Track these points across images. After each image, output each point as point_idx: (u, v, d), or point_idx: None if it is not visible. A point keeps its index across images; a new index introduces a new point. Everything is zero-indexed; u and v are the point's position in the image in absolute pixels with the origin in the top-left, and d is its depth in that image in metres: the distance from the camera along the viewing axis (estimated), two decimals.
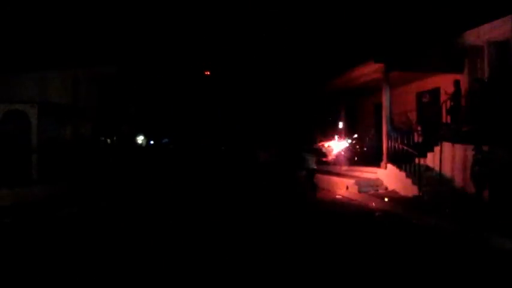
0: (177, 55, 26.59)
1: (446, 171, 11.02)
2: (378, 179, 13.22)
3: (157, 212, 10.99)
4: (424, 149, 12.08)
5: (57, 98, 16.59)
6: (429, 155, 11.97)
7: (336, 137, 17.38)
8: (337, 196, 13.20)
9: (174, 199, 13.17)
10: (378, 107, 15.48)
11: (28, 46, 19.80)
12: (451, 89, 12.08)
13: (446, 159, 10.98)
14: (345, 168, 15.66)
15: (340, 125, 18.92)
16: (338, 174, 15.08)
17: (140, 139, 26.29)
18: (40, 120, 14.60)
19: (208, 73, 28.93)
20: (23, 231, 8.89)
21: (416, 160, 11.75)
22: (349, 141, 17.19)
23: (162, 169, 21.53)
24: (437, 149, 11.37)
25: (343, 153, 16.40)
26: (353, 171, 14.86)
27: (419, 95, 15.32)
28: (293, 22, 23.22)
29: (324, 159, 16.28)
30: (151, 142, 29.47)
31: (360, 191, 12.68)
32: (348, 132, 18.18)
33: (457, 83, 12.10)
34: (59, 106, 16.28)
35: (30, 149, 14.28)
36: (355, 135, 17.73)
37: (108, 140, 19.87)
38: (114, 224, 9.40)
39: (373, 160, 14.25)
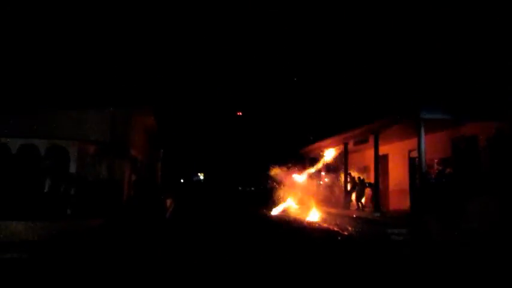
0: (209, 96, 27.33)
1: None
2: None
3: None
4: None
5: (95, 135, 17.16)
6: None
7: None
8: None
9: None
10: None
11: (69, 85, 20.74)
12: None
13: None
14: None
15: None
16: None
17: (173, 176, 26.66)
18: (79, 156, 15.09)
19: (240, 113, 29.47)
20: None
21: None
22: None
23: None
24: None
25: None
26: None
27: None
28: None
29: None
30: (182, 180, 29.80)
31: None
32: None
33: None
34: (96, 143, 16.80)
35: (69, 183, 14.67)
36: None
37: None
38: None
39: None
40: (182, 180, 30.37)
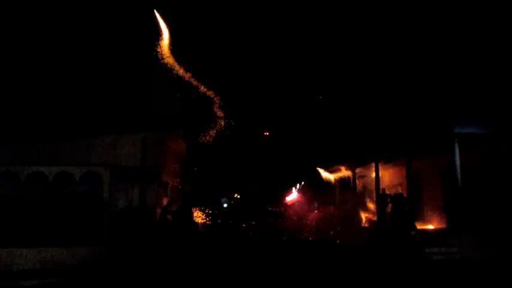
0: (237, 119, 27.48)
1: None
2: None
3: None
4: None
5: (127, 160, 17.44)
6: None
7: None
8: None
9: None
10: None
11: (100, 112, 21.29)
12: None
13: None
14: None
15: None
16: None
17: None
18: (112, 181, 15.37)
19: (268, 133, 29.54)
20: None
21: None
22: None
23: None
24: None
25: None
26: None
27: None
28: None
29: None
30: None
31: None
32: None
33: None
34: (128, 168, 17.07)
35: (102, 209, 14.92)
36: None
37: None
38: None
39: None
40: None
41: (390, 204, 18.55)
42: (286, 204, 27.67)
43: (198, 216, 21.89)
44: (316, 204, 24.77)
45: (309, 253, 15.51)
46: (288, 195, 29.50)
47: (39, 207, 14.64)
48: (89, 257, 12.78)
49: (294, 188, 29.64)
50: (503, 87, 14.41)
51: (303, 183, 28.11)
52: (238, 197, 32.45)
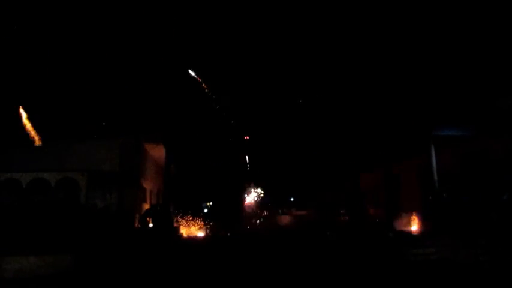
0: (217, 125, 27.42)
1: None
2: None
3: None
4: None
5: (104, 165, 17.14)
6: None
7: None
8: None
9: None
10: None
11: (77, 117, 20.96)
12: None
13: None
14: None
15: None
16: None
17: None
18: (89, 187, 15.10)
19: (248, 138, 29.51)
20: None
21: None
22: None
23: None
24: None
25: None
26: None
27: None
28: None
29: None
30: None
31: None
32: None
33: None
34: (105, 174, 16.77)
35: (79, 215, 14.62)
36: None
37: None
38: None
39: None
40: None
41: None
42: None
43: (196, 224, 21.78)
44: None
45: None
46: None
47: (12, 215, 14.24)
48: (65, 265, 12.42)
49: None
50: (482, 91, 14.68)
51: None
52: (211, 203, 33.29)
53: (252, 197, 37.17)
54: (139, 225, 17.11)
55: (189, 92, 24.64)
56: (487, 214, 11.71)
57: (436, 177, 13.11)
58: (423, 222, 15.67)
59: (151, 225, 17.16)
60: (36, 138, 19.49)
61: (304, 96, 25.48)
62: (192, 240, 19.21)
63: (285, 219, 27.58)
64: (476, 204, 12.34)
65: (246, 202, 33.94)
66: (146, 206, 19.49)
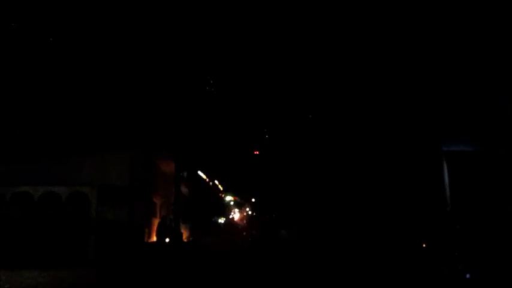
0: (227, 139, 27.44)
1: None
2: None
3: None
4: None
5: (115, 179, 17.20)
6: None
7: None
8: None
9: None
10: None
11: (88, 131, 21.03)
12: None
13: None
14: None
15: None
16: None
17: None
18: (99, 201, 15.15)
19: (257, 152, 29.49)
20: None
21: None
22: None
23: None
24: None
25: None
26: None
27: None
28: None
29: None
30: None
31: None
32: None
33: None
34: (116, 188, 16.83)
35: (89, 229, 14.65)
36: None
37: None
38: None
39: None
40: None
41: None
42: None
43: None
44: None
45: None
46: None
47: (24, 228, 14.33)
48: (75, 280, 12.42)
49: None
50: (490, 105, 14.54)
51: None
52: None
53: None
54: (157, 239, 17.13)
55: (200, 108, 24.73)
56: None
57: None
58: None
59: (167, 239, 17.18)
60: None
61: (312, 112, 25.37)
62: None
63: None
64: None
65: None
66: (156, 220, 19.48)
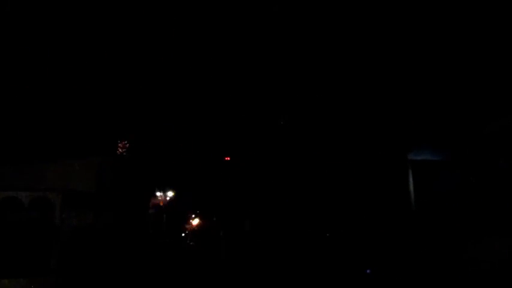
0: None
1: None
2: None
3: None
4: None
5: (81, 185, 16.82)
6: None
7: None
8: None
9: None
10: None
11: (53, 136, 20.51)
12: None
13: None
14: None
15: None
16: None
17: None
18: (64, 207, 14.75)
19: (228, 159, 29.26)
20: None
21: None
22: None
23: None
24: None
25: None
26: None
27: None
28: None
29: None
30: None
31: None
32: None
33: None
34: (82, 194, 16.46)
35: (53, 236, 14.24)
36: None
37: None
38: None
39: None
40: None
41: None
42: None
43: None
44: None
45: None
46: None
47: None
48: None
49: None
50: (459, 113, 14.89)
51: None
52: None
53: None
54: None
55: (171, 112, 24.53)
56: None
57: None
58: None
59: None
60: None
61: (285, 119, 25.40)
62: None
63: None
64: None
65: None
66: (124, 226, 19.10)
